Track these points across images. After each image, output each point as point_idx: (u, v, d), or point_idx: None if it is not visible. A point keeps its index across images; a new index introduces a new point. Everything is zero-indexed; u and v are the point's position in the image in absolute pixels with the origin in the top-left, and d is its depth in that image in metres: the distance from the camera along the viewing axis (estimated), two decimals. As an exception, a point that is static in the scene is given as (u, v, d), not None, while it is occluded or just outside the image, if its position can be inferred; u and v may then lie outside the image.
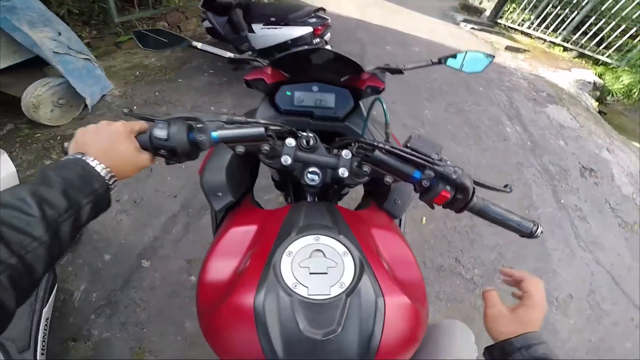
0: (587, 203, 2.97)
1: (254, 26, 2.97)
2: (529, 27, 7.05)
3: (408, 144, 0.58)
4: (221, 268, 0.58)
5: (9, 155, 1.39)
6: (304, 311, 0.45)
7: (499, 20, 7.50)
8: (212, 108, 2.95)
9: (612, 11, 6.03)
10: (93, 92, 2.55)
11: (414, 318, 0.53)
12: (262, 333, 0.45)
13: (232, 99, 3.11)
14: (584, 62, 6.45)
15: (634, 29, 5.82)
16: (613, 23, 6.00)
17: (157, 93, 2.99)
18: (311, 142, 0.67)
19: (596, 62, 6.32)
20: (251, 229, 0.63)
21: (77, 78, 2.38)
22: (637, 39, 5.84)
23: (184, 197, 2.06)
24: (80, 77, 2.42)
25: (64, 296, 1.51)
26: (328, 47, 3.02)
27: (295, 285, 0.47)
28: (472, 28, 7.13)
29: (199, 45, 0.83)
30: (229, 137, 0.57)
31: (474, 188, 0.57)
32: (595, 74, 5.97)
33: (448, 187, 0.56)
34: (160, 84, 3.12)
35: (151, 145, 0.56)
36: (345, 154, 0.65)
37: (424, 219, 2.34)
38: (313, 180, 0.70)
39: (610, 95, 5.75)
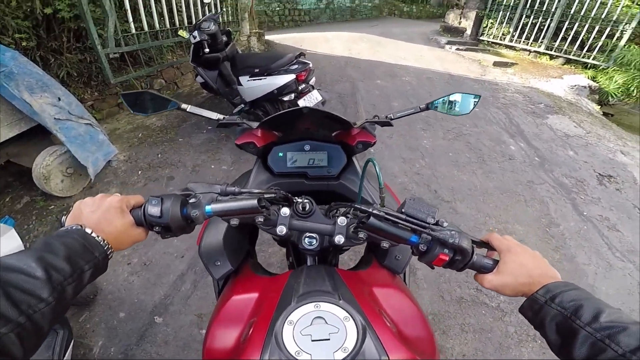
0: (613, 211, 2.82)
1: (241, 79, 3.02)
2: (510, 40, 7.22)
3: (403, 210, 0.59)
4: (224, 336, 0.60)
5: (23, 229, 1.57)
6: None
7: (481, 38, 7.72)
8: (212, 166, 2.94)
9: (581, 14, 6.17)
10: (96, 159, 2.46)
11: None
12: None
13: (231, 155, 3.12)
14: (573, 67, 6.51)
15: (608, 28, 5.91)
16: (587, 25, 6.11)
17: (159, 155, 3.03)
18: (307, 207, 0.68)
19: (585, 65, 6.37)
20: (252, 296, 0.64)
21: (79, 146, 2.30)
22: (615, 37, 5.91)
23: (190, 257, 2.11)
24: (82, 144, 2.34)
25: (83, 351, 1.59)
26: (315, 91, 3.07)
27: (298, 353, 0.47)
28: (457, 49, 7.30)
29: (188, 107, 0.82)
30: (222, 210, 0.59)
31: (473, 247, 0.58)
32: (588, 78, 5.99)
33: (446, 250, 0.57)
34: (162, 145, 3.18)
35: (145, 222, 0.57)
36: (341, 221, 0.66)
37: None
38: (311, 244, 0.71)
39: (611, 97, 5.70)
